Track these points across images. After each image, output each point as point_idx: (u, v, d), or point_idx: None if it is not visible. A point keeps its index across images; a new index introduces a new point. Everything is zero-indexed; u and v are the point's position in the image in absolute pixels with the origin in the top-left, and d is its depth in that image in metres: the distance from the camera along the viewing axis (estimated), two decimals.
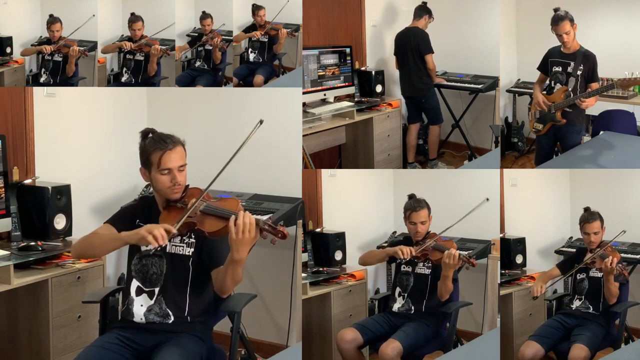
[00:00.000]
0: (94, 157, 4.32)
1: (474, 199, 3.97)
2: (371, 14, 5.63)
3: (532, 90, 4.56)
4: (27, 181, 3.79)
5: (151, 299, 2.80)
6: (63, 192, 3.76)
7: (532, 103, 4.55)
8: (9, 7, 5.02)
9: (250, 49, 5.32)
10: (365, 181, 5.20)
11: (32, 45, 5.12)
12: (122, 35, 5.31)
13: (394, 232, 5.14)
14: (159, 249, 2.60)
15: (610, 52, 5.10)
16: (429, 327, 3.74)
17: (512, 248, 4.64)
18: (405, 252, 3.70)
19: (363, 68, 5.58)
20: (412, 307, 3.81)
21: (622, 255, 4.15)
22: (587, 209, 3.94)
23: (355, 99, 5.44)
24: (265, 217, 2.58)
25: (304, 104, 4.81)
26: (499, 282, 4.42)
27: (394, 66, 5.59)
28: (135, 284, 2.82)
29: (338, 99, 5.33)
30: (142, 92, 4.69)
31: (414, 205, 3.81)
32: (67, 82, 4.92)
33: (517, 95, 5.95)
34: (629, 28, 5.49)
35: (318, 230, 4.51)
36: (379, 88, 5.53)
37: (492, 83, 5.57)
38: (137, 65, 5.04)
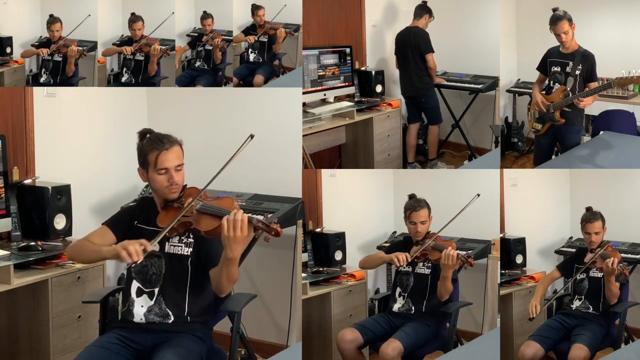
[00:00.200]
0: (94, 157, 4.32)
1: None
2: (371, 14, 5.63)
3: (532, 90, 4.56)
4: (27, 181, 3.79)
5: (151, 299, 2.80)
6: (63, 192, 3.76)
7: (531, 103, 4.56)
8: (9, 7, 5.02)
9: (250, 49, 5.32)
10: (365, 181, 5.20)
11: (32, 45, 5.12)
12: (122, 35, 5.31)
13: (394, 232, 5.14)
14: (135, 264, 2.58)
15: (610, 52, 5.11)
16: (429, 327, 3.74)
17: (512, 248, 4.63)
18: (401, 259, 3.69)
19: (363, 68, 5.58)
20: (412, 307, 3.81)
21: (622, 255, 4.15)
22: (588, 209, 3.94)
23: (355, 99, 5.44)
24: (259, 216, 2.57)
25: (304, 104, 4.81)
26: (499, 282, 4.42)
27: (394, 66, 5.59)
28: (135, 285, 2.82)
29: (338, 99, 5.33)
30: (142, 92, 4.69)
31: (414, 205, 3.81)
32: (67, 82, 4.92)
33: (517, 95, 5.96)
34: (628, 28, 5.49)
35: (318, 230, 4.51)
36: (379, 88, 5.52)
37: (492, 83, 5.57)
38: (137, 65, 5.04)
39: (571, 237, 5.17)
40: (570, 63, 4.29)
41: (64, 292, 3.53)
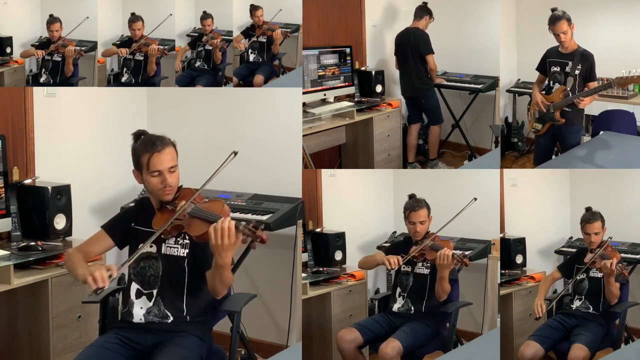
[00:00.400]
0: (94, 157, 4.32)
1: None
2: (371, 14, 5.63)
3: (532, 91, 4.57)
4: (27, 181, 3.79)
5: (150, 301, 2.80)
6: (63, 192, 3.76)
7: (531, 103, 4.56)
8: (9, 7, 5.03)
9: (250, 49, 5.32)
10: (365, 181, 5.20)
11: (32, 45, 5.12)
12: (122, 35, 5.31)
13: (394, 232, 5.14)
14: (100, 291, 2.56)
15: (609, 52, 5.11)
16: (429, 327, 3.73)
17: (512, 248, 4.63)
18: (393, 262, 3.69)
19: (363, 68, 5.58)
20: (412, 307, 3.81)
21: (622, 255, 4.15)
22: (588, 209, 3.94)
23: (355, 99, 5.44)
24: (245, 222, 2.56)
25: (304, 104, 4.81)
26: (499, 282, 4.43)
27: (394, 66, 5.59)
28: (134, 286, 2.82)
29: (338, 99, 5.33)
30: (142, 92, 4.69)
31: (413, 205, 3.81)
32: (67, 82, 4.92)
33: (517, 95, 5.96)
34: (628, 28, 5.49)
35: (318, 230, 4.51)
36: (379, 88, 5.52)
37: (492, 83, 5.57)
38: (137, 65, 5.04)
39: (571, 237, 5.17)
40: (570, 63, 4.29)
41: (64, 292, 3.52)
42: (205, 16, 5.25)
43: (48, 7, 5.09)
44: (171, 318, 2.79)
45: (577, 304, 3.96)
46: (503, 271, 4.53)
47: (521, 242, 4.70)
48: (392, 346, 3.48)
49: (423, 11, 5.37)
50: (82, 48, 4.99)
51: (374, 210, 5.17)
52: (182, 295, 2.81)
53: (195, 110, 4.55)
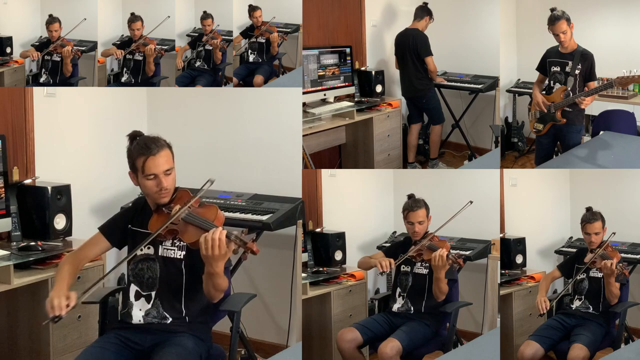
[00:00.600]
0: (94, 157, 4.32)
1: (474, 199, 3.97)
2: (371, 14, 5.63)
3: (532, 90, 4.57)
4: (27, 181, 3.79)
5: (148, 303, 2.80)
6: (63, 192, 3.76)
7: (531, 103, 4.56)
8: (9, 7, 5.03)
9: (249, 50, 5.32)
10: (365, 181, 5.20)
11: (32, 45, 5.12)
12: (122, 35, 5.31)
13: (394, 232, 5.14)
14: (57, 319, 2.55)
15: (609, 52, 5.11)
16: (428, 327, 3.73)
17: (512, 248, 4.63)
18: (384, 265, 3.68)
19: (363, 68, 5.58)
20: (412, 307, 3.81)
21: (622, 255, 4.15)
22: (589, 209, 3.94)
23: (355, 99, 5.44)
24: (236, 232, 2.56)
25: (304, 104, 4.81)
26: (499, 282, 4.42)
27: (394, 66, 5.59)
28: (133, 288, 2.82)
29: (338, 99, 5.33)
30: (142, 92, 4.69)
31: (411, 205, 3.81)
32: (67, 82, 4.93)
33: (517, 95, 5.96)
34: (628, 28, 5.49)
35: (318, 230, 4.51)
36: (379, 88, 5.52)
37: (492, 83, 5.57)
38: (136, 65, 5.04)
39: (571, 237, 5.17)
40: (570, 63, 4.29)
41: None
42: (206, 16, 5.25)
43: (48, 7, 5.10)
44: (170, 319, 2.79)
45: (577, 304, 3.96)
46: (503, 271, 4.53)
47: (521, 242, 4.70)
48: (391, 346, 3.48)
49: (423, 11, 5.37)
50: (82, 48, 4.99)
51: (374, 210, 5.17)
52: (180, 297, 2.80)
53: (195, 110, 4.55)
